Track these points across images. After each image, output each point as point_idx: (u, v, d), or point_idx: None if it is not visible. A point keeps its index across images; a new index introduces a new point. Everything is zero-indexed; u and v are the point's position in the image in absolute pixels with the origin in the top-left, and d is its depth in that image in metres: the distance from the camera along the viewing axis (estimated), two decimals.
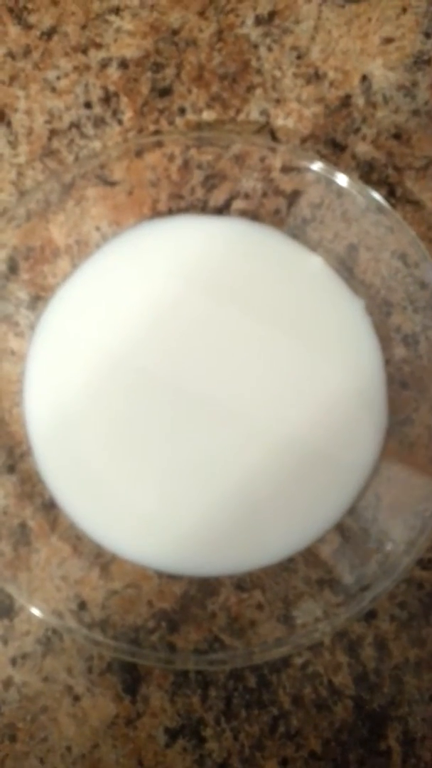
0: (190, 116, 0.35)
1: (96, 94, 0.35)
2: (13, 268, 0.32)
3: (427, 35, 0.35)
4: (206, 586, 0.32)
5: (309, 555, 0.32)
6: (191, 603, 0.32)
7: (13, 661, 0.32)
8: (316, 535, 0.32)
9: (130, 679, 0.32)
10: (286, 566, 0.32)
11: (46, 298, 0.33)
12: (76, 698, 0.32)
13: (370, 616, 0.32)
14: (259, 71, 0.35)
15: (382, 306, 0.33)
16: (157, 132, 0.34)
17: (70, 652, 0.32)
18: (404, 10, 0.35)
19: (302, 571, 0.32)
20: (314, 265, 0.33)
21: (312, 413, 0.32)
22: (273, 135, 0.34)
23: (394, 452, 0.32)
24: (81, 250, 0.33)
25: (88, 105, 0.35)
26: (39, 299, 0.33)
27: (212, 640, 0.31)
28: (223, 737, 0.32)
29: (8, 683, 0.32)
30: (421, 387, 0.32)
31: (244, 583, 0.32)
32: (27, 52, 0.35)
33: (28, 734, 0.32)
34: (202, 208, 0.34)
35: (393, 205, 0.33)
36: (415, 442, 0.32)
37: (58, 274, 0.33)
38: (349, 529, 0.32)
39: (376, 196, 0.31)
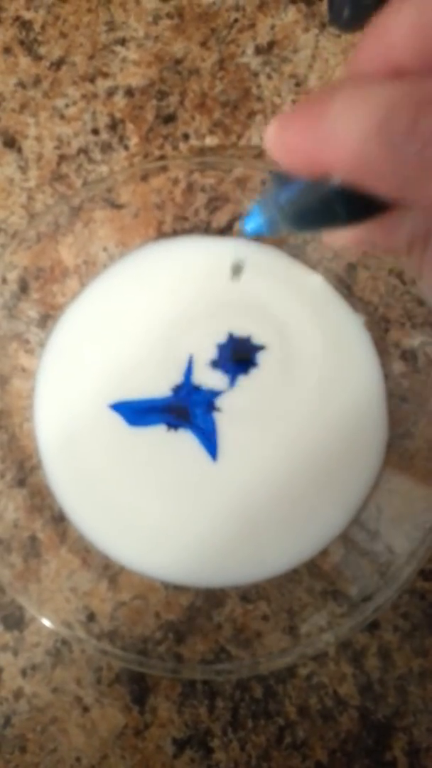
0: (194, 142, 0.36)
1: (103, 121, 0.36)
2: (24, 288, 0.33)
3: None
4: (212, 598, 0.32)
5: (313, 566, 0.32)
6: (198, 614, 0.32)
7: (24, 672, 0.32)
8: (319, 547, 0.32)
9: (139, 690, 0.32)
10: (291, 578, 0.32)
11: (55, 317, 0.34)
12: (86, 709, 0.32)
13: (374, 626, 0.33)
14: (259, 98, 0.36)
15: (380, 322, 0.34)
16: (162, 157, 0.36)
17: (79, 663, 0.32)
18: None
19: (306, 583, 0.32)
20: (314, 283, 0.34)
21: (314, 427, 0.33)
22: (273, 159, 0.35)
23: (394, 465, 0.33)
24: (89, 270, 0.34)
25: (95, 131, 0.36)
26: (49, 318, 0.34)
27: (219, 650, 0.31)
28: (230, 747, 0.32)
29: (19, 694, 0.32)
30: (420, 401, 0.33)
31: (249, 594, 0.32)
32: (37, 81, 0.36)
33: (38, 745, 0.32)
34: (206, 229, 0.35)
35: None
36: (415, 454, 0.33)
37: (67, 293, 0.34)
38: (352, 540, 0.32)
39: None
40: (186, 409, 0.32)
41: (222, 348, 0.33)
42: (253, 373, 0.33)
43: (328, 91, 0.15)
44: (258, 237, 0.19)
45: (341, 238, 0.18)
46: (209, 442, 0.32)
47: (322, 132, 0.14)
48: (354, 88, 0.14)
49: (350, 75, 0.16)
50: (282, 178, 0.17)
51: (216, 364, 0.33)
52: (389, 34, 0.15)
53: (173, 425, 0.32)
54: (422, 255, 0.17)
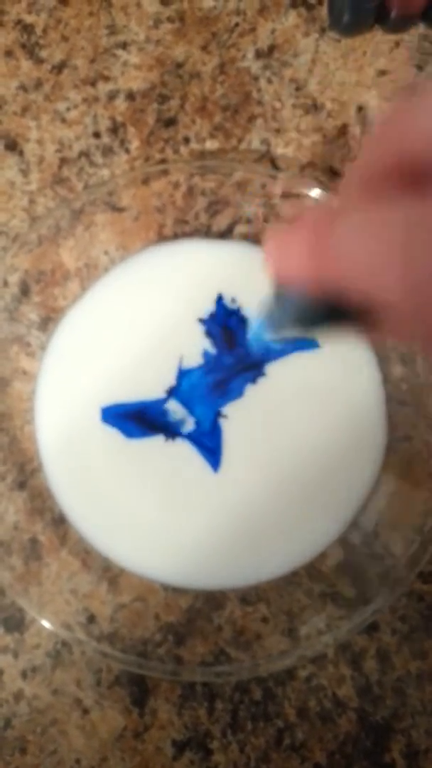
0: (194, 145, 0.36)
1: (104, 124, 0.36)
2: (25, 291, 0.34)
3: (419, 68, 0.36)
4: (212, 600, 0.32)
5: (312, 569, 0.33)
6: (197, 616, 0.32)
7: (24, 674, 0.32)
8: (319, 550, 0.32)
9: (138, 692, 0.32)
10: (290, 580, 0.32)
11: (56, 320, 0.34)
12: (86, 711, 0.32)
13: (372, 628, 0.33)
14: (259, 102, 0.36)
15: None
16: (162, 160, 0.36)
17: (79, 665, 0.32)
18: (397, 44, 0.36)
19: (306, 585, 0.32)
20: None
21: (313, 431, 0.33)
22: (273, 163, 0.36)
23: (393, 468, 0.33)
24: (90, 274, 0.34)
25: (96, 135, 0.36)
26: (50, 321, 0.34)
27: (218, 652, 0.31)
28: (229, 749, 0.32)
29: (19, 696, 0.32)
30: (419, 404, 0.33)
31: (249, 596, 0.32)
32: (38, 84, 0.36)
33: (38, 747, 0.32)
34: (206, 232, 0.35)
35: None
36: (414, 458, 0.33)
37: (68, 296, 0.34)
38: (350, 543, 0.33)
39: None
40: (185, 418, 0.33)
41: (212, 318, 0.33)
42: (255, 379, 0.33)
43: (325, 211, 0.15)
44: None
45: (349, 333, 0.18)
46: (213, 457, 0.32)
47: (330, 254, 0.14)
48: (367, 205, 0.14)
49: (360, 168, 0.16)
50: (282, 294, 0.17)
51: (209, 332, 0.33)
52: (412, 130, 0.15)
53: (170, 435, 0.32)
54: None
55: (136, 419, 0.32)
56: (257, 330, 0.18)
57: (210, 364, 0.33)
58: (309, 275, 0.15)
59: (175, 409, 0.32)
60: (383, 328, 0.16)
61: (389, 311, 0.14)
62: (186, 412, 0.32)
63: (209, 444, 0.32)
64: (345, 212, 0.14)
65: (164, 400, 0.33)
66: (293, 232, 0.15)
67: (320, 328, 0.17)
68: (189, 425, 0.32)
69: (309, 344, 0.33)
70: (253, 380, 0.33)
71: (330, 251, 0.14)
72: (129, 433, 0.32)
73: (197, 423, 0.32)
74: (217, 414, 0.33)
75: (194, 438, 0.32)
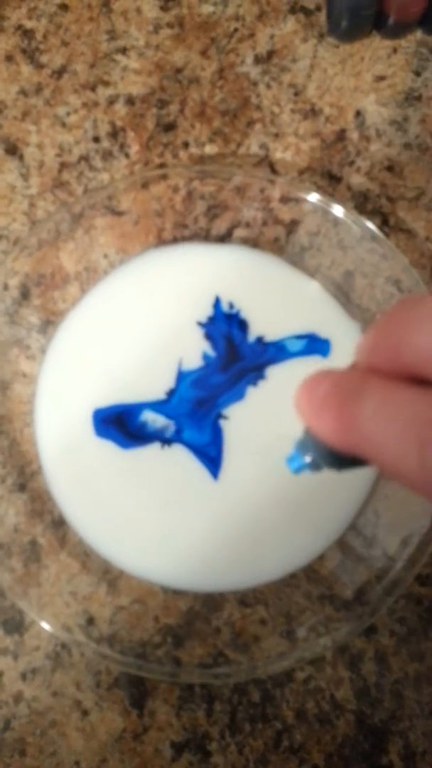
0: (194, 150, 0.36)
1: (104, 129, 0.36)
2: (25, 294, 0.34)
3: (416, 73, 0.36)
4: (211, 602, 0.32)
5: (310, 571, 0.33)
6: (196, 618, 0.32)
7: (23, 676, 0.32)
8: (317, 552, 0.33)
9: (137, 694, 0.32)
10: (289, 582, 0.33)
11: (56, 323, 0.34)
12: (85, 712, 0.32)
13: (371, 631, 0.33)
14: (258, 107, 0.36)
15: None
16: (162, 165, 0.36)
17: (78, 667, 0.33)
18: (395, 50, 0.36)
19: (304, 587, 0.32)
20: (312, 290, 0.34)
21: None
22: (272, 167, 0.36)
23: None
24: (90, 277, 0.34)
25: (96, 139, 0.36)
26: (50, 324, 0.34)
27: (217, 654, 0.31)
28: (228, 751, 0.32)
29: (18, 698, 0.32)
30: None
31: (247, 598, 0.32)
32: (39, 89, 0.37)
33: (38, 748, 0.32)
34: (205, 236, 0.35)
35: (386, 234, 0.35)
36: None
37: (68, 299, 0.34)
38: (349, 545, 0.33)
39: (371, 225, 0.33)
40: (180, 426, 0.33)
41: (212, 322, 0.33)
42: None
43: (352, 380, 0.17)
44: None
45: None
46: (213, 466, 0.32)
47: (355, 432, 0.16)
48: (387, 391, 0.16)
49: (364, 361, 0.18)
50: (312, 439, 0.19)
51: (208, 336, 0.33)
52: (407, 345, 0.16)
53: (167, 442, 0.32)
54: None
55: (118, 425, 0.32)
56: (296, 456, 0.20)
57: (199, 378, 0.33)
58: (336, 441, 0.17)
59: (153, 418, 0.33)
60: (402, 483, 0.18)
61: (407, 481, 0.16)
62: (165, 419, 0.33)
63: (209, 453, 0.32)
64: (367, 391, 0.16)
65: (164, 402, 0.33)
66: (324, 401, 0.17)
67: (346, 469, 0.19)
68: (170, 429, 0.33)
69: (320, 350, 0.33)
70: (254, 383, 0.33)
71: (355, 430, 0.16)
72: (120, 444, 0.33)
73: (196, 433, 0.33)
74: (217, 417, 0.33)
75: (194, 448, 0.32)
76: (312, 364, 0.33)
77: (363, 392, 0.17)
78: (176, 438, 0.33)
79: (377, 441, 0.16)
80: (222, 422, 0.33)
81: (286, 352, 0.33)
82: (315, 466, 0.20)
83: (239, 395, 0.33)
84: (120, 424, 0.32)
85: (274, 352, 0.33)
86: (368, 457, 0.16)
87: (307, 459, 0.19)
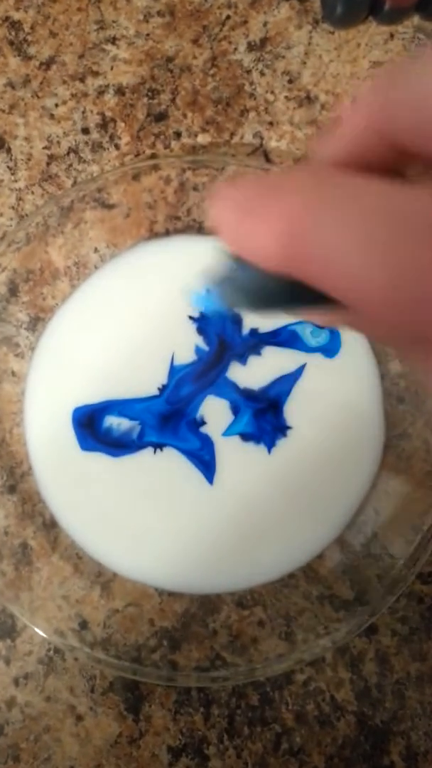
0: (186, 140, 0.35)
1: (93, 120, 0.35)
2: (13, 291, 0.33)
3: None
4: (207, 604, 0.32)
5: (309, 571, 0.32)
6: (192, 621, 0.32)
7: (16, 682, 0.32)
8: (316, 551, 0.32)
9: (133, 698, 0.32)
10: (287, 582, 0.32)
11: (45, 320, 0.33)
12: (79, 718, 0.32)
13: (371, 631, 0.32)
14: (252, 95, 0.35)
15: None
16: (153, 156, 0.35)
17: (72, 672, 0.32)
18: (391, 36, 0.35)
19: (303, 587, 0.32)
20: None
21: (310, 429, 0.32)
22: (266, 156, 0.35)
23: (391, 467, 0.32)
24: (80, 272, 0.34)
25: (85, 131, 0.35)
26: (39, 320, 0.33)
27: (214, 657, 0.31)
28: (226, 755, 0.32)
29: (11, 703, 0.32)
30: (417, 401, 0.32)
31: (245, 600, 0.32)
32: (26, 81, 0.36)
33: (32, 754, 0.32)
34: (198, 228, 0.34)
35: None
36: (412, 456, 0.32)
37: (58, 295, 0.34)
38: (349, 544, 0.32)
39: None
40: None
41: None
42: (247, 374, 0.32)
43: (299, 193, 0.12)
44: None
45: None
46: (208, 471, 0.32)
47: (303, 250, 0.12)
48: (340, 200, 0.12)
49: (333, 146, 0.14)
50: (236, 266, 0.15)
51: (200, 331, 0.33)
52: (392, 107, 0.13)
53: (158, 446, 0.32)
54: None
55: (88, 428, 0.32)
56: (204, 297, 0.16)
57: (168, 389, 0.32)
58: (275, 262, 0.13)
59: (117, 422, 0.32)
60: (353, 325, 0.14)
61: (363, 313, 0.12)
62: (128, 421, 0.32)
63: (203, 457, 0.32)
64: (320, 201, 0.12)
65: (156, 397, 0.32)
66: (261, 214, 0.13)
67: (275, 310, 0.15)
68: (136, 431, 0.32)
69: (328, 351, 0.33)
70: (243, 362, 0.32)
71: (303, 247, 0.12)
72: (109, 453, 0.32)
73: (186, 440, 0.32)
74: (193, 423, 0.32)
75: (186, 452, 0.32)
76: (308, 356, 0.33)
77: (320, 189, 0.12)
78: (148, 442, 0.32)
79: (329, 256, 0.12)
80: (213, 424, 0.32)
81: (300, 342, 0.32)
82: (230, 301, 0.15)
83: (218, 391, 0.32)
84: (90, 428, 0.32)
85: (287, 336, 0.32)
86: (314, 279, 0.12)
87: (220, 293, 0.15)
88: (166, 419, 0.32)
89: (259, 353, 0.32)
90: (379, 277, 0.11)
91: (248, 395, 0.32)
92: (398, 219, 0.11)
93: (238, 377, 0.32)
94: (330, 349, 0.33)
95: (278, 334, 0.32)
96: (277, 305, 0.15)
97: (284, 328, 0.33)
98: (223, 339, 0.32)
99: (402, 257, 0.11)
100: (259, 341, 0.32)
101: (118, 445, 0.32)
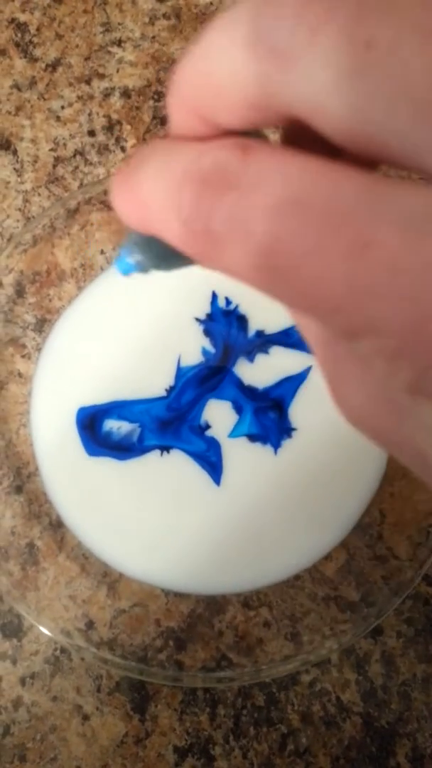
0: None
1: (99, 122, 0.36)
2: (20, 292, 0.33)
3: None
4: (213, 605, 0.32)
5: (315, 572, 0.32)
6: (198, 621, 0.32)
7: (23, 681, 0.32)
8: (322, 553, 0.32)
9: (139, 698, 0.32)
10: (293, 584, 0.32)
11: (52, 321, 0.34)
12: (86, 717, 0.32)
13: (377, 632, 0.32)
14: None
15: None
16: None
17: (78, 672, 0.32)
18: None
19: (309, 589, 0.32)
20: None
21: (315, 432, 0.32)
22: None
23: (397, 469, 0.32)
24: (86, 274, 0.34)
25: (91, 133, 0.36)
26: (45, 322, 0.34)
27: (220, 658, 0.31)
28: (232, 756, 0.32)
29: (18, 703, 0.32)
30: None
31: (251, 600, 0.32)
32: (32, 83, 0.36)
33: (38, 754, 0.32)
34: None
35: None
36: None
37: (64, 297, 0.34)
38: (354, 546, 0.32)
39: None
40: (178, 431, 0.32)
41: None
42: (251, 376, 0.33)
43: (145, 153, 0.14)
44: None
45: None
46: (215, 472, 0.32)
47: (134, 201, 0.13)
48: (171, 146, 0.13)
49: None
50: (131, 231, 0.16)
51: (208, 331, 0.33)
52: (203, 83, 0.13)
53: (165, 448, 0.32)
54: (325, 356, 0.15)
55: (89, 431, 0.32)
56: (121, 256, 0.17)
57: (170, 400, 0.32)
58: (132, 220, 0.14)
59: (117, 425, 0.32)
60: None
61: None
62: (128, 424, 0.32)
63: (210, 459, 0.32)
64: (155, 152, 0.13)
65: (163, 399, 0.32)
66: (120, 172, 0.14)
67: (169, 265, 0.16)
68: (136, 433, 0.32)
69: None
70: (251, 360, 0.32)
71: (138, 198, 0.13)
72: (116, 457, 0.32)
73: (191, 443, 0.32)
74: (203, 428, 0.32)
75: (193, 454, 0.32)
76: (313, 359, 0.33)
77: (151, 156, 0.14)
78: (152, 445, 0.32)
79: (147, 202, 0.13)
80: (218, 426, 0.32)
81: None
82: (140, 265, 0.17)
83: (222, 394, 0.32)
84: (92, 430, 0.32)
85: (297, 338, 0.32)
86: (152, 229, 0.13)
87: (131, 259, 0.17)
88: (165, 424, 0.32)
89: (266, 352, 0.32)
90: (176, 223, 0.12)
91: (251, 393, 0.32)
92: (185, 169, 0.12)
93: (244, 374, 0.32)
94: None
95: (289, 335, 0.32)
96: (171, 263, 0.16)
97: (293, 328, 0.33)
98: (227, 343, 0.32)
99: (186, 201, 0.12)
100: (267, 341, 0.32)
101: (121, 449, 0.32)
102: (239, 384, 0.32)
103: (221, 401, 0.32)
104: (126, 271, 0.17)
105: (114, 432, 0.32)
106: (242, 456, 0.32)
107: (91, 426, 0.32)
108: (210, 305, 0.33)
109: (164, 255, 0.16)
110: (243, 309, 0.33)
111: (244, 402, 0.32)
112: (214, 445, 0.32)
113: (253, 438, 0.32)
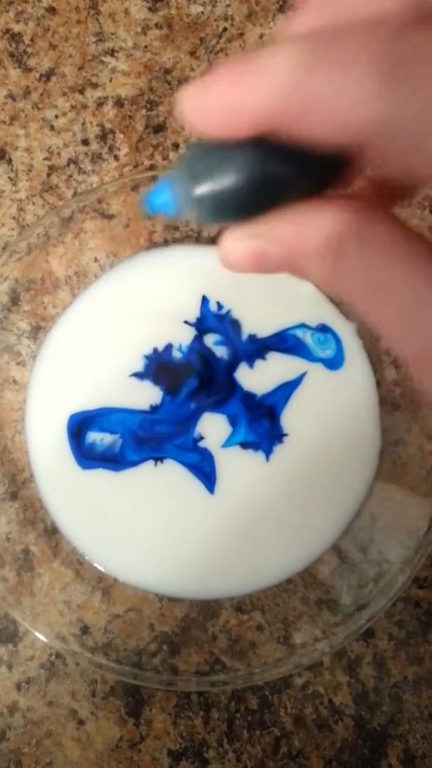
0: (184, 151, 0.36)
1: (93, 131, 0.36)
2: (14, 300, 0.33)
3: None
4: (207, 609, 0.32)
5: (307, 576, 0.32)
6: (192, 625, 0.32)
7: (18, 686, 0.32)
8: (314, 557, 0.32)
9: (134, 703, 0.32)
10: (285, 587, 0.32)
11: (46, 328, 0.34)
12: (81, 722, 0.32)
13: (369, 635, 0.33)
14: None
15: (372, 329, 0.34)
16: (152, 167, 0.36)
17: (73, 677, 0.32)
18: None
19: (301, 592, 0.32)
20: (306, 290, 0.34)
21: (307, 436, 0.33)
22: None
23: (387, 473, 0.33)
24: (80, 281, 0.34)
25: (85, 142, 0.36)
26: (40, 329, 0.34)
27: (213, 661, 0.31)
28: (226, 759, 0.32)
29: (13, 708, 0.32)
30: (413, 408, 0.33)
31: (244, 605, 0.32)
32: (27, 93, 0.36)
33: (34, 759, 0.32)
34: (196, 238, 0.35)
35: None
36: (408, 462, 0.33)
37: (58, 304, 0.34)
38: (346, 549, 0.32)
39: None
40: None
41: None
42: (246, 381, 0.33)
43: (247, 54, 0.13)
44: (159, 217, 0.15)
45: (239, 247, 0.15)
46: (208, 481, 0.32)
47: (252, 76, 0.12)
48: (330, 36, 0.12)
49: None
50: (201, 151, 0.14)
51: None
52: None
53: (158, 458, 0.32)
54: (334, 264, 0.14)
55: (76, 440, 0.32)
56: (159, 189, 0.14)
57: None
58: (233, 114, 0.13)
59: (100, 437, 0.32)
60: (354, 182, 0.14)
61: (367, 151, 0.12)
62: (110, 435, 0.32)
63: (204, 469, 0.32)
64: (311, 52, 0.12)
65: (144, 413, 0.32)
66: (214, 72, 0.13)
67: (230, 201, 0.13)
68: (118, 444, 0.32)
69: (333, 364, 0.33)
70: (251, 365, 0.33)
71: (303, 93, 0.12)
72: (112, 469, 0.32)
73: (184, 456, 0.32)
74: (197, 440, 0.32)
75: (187, 464, 0.32)
76: (304, 364, 0.33)
77: (309, 44, 0.13)
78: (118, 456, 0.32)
79: (331, 94, 0.12)
80: (211, 438, 0.32)
81: (306, 351, 0.33)
82: (184, 194, 0.13)
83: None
84: (77, 439, 0.32)
85: (293, 344, 0.33)
86: (314, 124, 0.12)
87: (196, 191, 0.13)
88: (141, 441, 0.32)
89: (264, 358, 0.33)
90: (378, 106, 0.11)
91: (249, 401, 0.32)
92: (396, 55, 0.12)
93: (244, 380, 0.33)
94: (335, 362, 0.33)
95: (285, 341, 0.33)
96: (228, 203, 0.13)
97: (286, 333, 0.33)
98: (208, 358, 0.33)
99: (401, 88, 0.11)
100: (263, 347, 0.33)
101: (106, 460, 0.32)
102: (243, 399, 0.32)
103: (217, 414, 0.32)
104: (155, 209, 0.14)
105: (97, 443, 0.32)
106: (235, 463, 0.32)
107: (78, 434, 0.32)
108: (200, 307, 0.33)
109: (225, 192, 0.13)
110: (235, 314, 0.33)
111: (241, 415, 0.32)
112: (207, 456, 0.32)
113: (245, 445, 0.32)
